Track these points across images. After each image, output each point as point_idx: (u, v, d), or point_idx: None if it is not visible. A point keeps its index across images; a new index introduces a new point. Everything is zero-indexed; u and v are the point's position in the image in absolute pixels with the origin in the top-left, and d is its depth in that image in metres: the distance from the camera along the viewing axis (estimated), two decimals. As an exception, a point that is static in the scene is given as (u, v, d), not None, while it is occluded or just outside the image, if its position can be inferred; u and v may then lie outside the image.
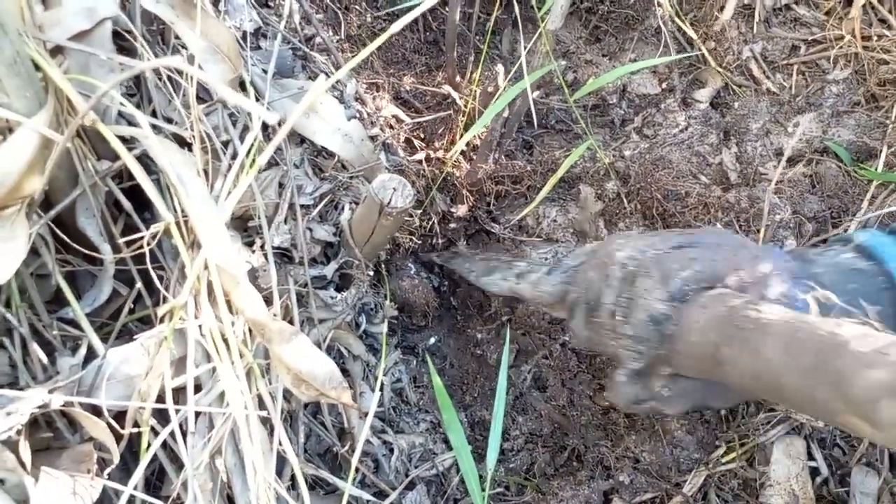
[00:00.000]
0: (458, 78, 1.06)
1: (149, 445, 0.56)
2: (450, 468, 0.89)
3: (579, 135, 1.14)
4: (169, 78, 0.71)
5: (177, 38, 0.75)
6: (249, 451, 0.56)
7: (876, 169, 1.00)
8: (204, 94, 0.77)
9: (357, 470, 0.80)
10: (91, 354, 0.60)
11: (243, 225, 0.76)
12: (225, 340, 0.57)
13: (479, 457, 0.89)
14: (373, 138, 0.92)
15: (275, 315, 0.66)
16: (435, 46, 1.17)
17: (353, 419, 0.80)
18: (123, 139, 0.56)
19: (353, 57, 0.58)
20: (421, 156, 1.01)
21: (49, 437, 0.57)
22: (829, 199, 1.00)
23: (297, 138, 0.86)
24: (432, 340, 1.06)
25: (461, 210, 1.05)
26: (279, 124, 0.38)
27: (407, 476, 0.84)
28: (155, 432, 0.57)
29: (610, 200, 1.05)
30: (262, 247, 0.72)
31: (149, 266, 0.59)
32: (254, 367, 0.61)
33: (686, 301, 0.53)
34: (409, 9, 1.07)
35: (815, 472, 0.85)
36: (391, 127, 1.00)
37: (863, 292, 0.53)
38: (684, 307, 0.53)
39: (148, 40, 0.70)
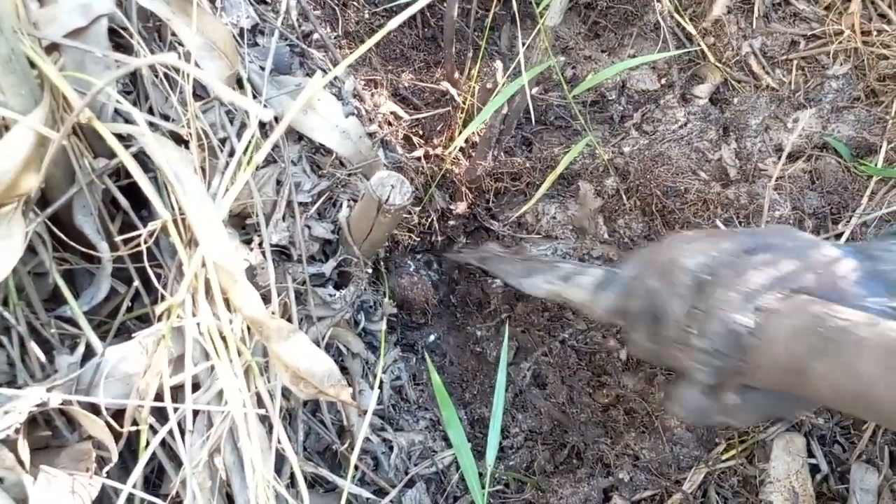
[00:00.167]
0: (456, 74, 1.06)
1: (147, 444, 0.56)
2: (449, 466, 0.89)
3: (578, 131, 1.13)
4: (165, 75, 0.71)
5: (173, 34, 0.75)
6: (248, 449, 0.56)
7: (876, 165, 0.99)
8: (201, 91, 0.76)
9: (356, 468, 0.80)
10: (89, 353, 0.60)
11: (241, 222, 0.76)
12: (223, 338, 0.57)
13: (479, 454, 0.89)
14: (371, 135, 0.92)
15: (273, 313, 0.66)
16: (433, 43, 1.17)
17: (352, 417, 0.80)
18: (120, 136, 0.56)
19: (350, 53, 0.57)
20: (419, 153, 1.01)
21: (48, 435, 0.58)
22: (828, 195, 1.00)
23: (295, 135, 0.85)
24: (431, 338, 1.05)
25: (460, 207, 1.05)
26: (276, 121, 0.38)
27: (406, 474, 0.84)
28: (153, 430, 0.57)
29: (609, 197, 1.05)
30: (259, 244, 0.72)
31: (146, 264, 0.59)
32: (252, 365, 0.60)
33: (766, 311, 0.49)
34: (407, 5, 1.06)
35: (814, 468, 0.85)
36: (389, 124, 0.99)
37: None
38: (765, 318, 0.49)
39: (144, 37, 0.69)
